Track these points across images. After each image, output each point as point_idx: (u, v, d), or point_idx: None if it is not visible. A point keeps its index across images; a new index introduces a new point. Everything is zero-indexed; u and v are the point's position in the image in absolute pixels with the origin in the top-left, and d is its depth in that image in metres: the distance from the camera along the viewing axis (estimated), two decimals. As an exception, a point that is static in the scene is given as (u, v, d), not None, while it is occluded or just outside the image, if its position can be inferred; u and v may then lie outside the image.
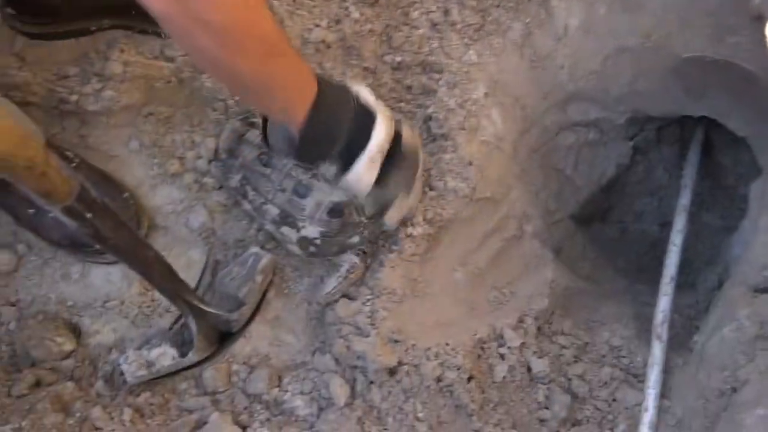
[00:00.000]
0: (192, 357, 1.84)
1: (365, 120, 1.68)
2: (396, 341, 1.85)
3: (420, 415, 1.83)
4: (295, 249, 1.94)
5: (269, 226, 1.95)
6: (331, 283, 1.92)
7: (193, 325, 1.81)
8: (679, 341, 2.20)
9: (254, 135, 1.92)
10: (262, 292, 1.96)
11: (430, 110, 2.09)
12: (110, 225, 1.47)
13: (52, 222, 1.95)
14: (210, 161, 2.06)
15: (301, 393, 1.88)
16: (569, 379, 2.03)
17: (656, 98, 2.51)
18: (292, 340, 2.00)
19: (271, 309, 2.02)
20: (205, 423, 1.81)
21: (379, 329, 1.87)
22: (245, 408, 1.88)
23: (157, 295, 1.98)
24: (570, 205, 2.75)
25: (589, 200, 2.85)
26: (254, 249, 1.94)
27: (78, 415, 1.79)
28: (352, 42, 2.13)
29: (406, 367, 1.82)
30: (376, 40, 2.16)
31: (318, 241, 1.89)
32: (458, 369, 1.85)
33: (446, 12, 2.19)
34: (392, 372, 1.84)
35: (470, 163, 2.04)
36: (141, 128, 2.06)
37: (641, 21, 2.28)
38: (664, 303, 2.26)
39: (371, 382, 1.84)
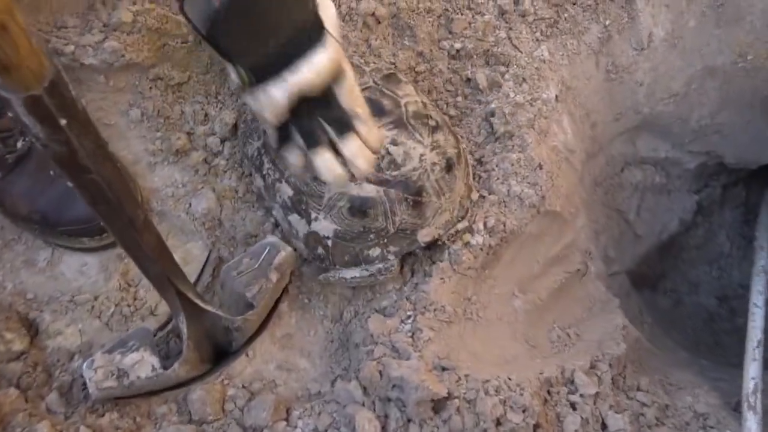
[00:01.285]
0: (178, 371, 1.40)
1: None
2: (444, 369, 1.43)
3: (471, 469, 1.38)
4: (300, 246, 1.55)
5: (277, 211, 1.56)
6: (353, 272, 1.52)
7: (184, 328, 1.39)
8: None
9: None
10: (275, 298, 1.54)
11: (493, 105, 1.75)
12: (91, 148, 1.06)
13: (21, 191, 1.56)
14: (223, 141, 1.68)
15: (316, 430, 1.43)
16: (652, 446, 1.58)
17: (737, 137, 2.18)
18: (306, 365, 1.57)
19: (282, 324, 1.59)
20: (185, 459, 1.36)
21: (423, 353, 1.44)
22: (240, 444, 1.42)
23: (141, 292, 1.56)
24: (628, 258, 2.37)
25: (647, 257, 2.48)
26: (271, 238, 1.53)
27: (18, 431, 1.33)
28: (407, 20, 1.80)
29: (456, 402, 1.38)
30: (434, 22, 1.83)
31: (329, 242, 1.50)
32: (524, 411, 1.41)
33: (517, 0, 1.88)
34: (438, 407, 1.40)
35: (540, 167, 1.68)
36: (146, 94, 1.69)
37: (737, 36, 1.97)
38: (753, 369, 1.87)
39: (409, 420, 1.40)
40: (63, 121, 1.00)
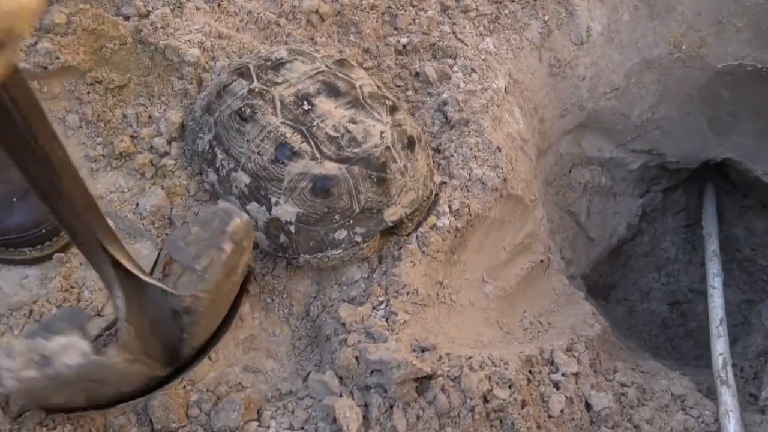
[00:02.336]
0: (114, 358, 1.12)
1: None
2: (424, 349, 1.35)
3: (462, 451, 1.29)
4: (261, 237, 1.47)
5: (234, 205, 1.48)
6: (336, 252, 1.44)
7: (120, 304, 1.16)
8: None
9: (240, 85, 1.50)
10: (234, 279, 1.38)
11: (445, 95, 1.73)
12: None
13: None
14: (170, 141, 1.60)
15: (291, 428, 1.33)
16: (637, 426, 1.53)
17: (677, 132, 2.23)
18: (273, 366, 1.47)
19: (245, 326, 1.49)
20: (149, 469, 1.23)
21: (400, 335, 1.36)
22: (209, 451, 1.30)
23: (86, 293, 1.44)
24: (583, 262, 2.36)
25: (600, 262, 2.47)
26: (222, 203, 1.35)
27: (-44, 448, 1.18)
28: (351, 16, 1.78)
29: (441, 381, 1.30)
30: (379, 18, 1.82)
31: (292, 228, 1.42)
32: (510, 387, 1.34)
33: (458, -4, 1.89)
34: (422, 389, 1.32)
35: (499, 149, 1.65)
36: (84, 99, 1.61)
37: (670, 28, 2.03)
38: (720, 346, 1.88)
39: (392, 405, 1.30)
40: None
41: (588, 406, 1.51)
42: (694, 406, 1.69)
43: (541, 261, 1.81)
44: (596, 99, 2.05)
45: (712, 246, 2.21)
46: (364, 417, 1.31)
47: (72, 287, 1.42)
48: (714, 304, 2.00)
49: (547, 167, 2.10)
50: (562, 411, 1.44)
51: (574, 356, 1.56)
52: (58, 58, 1.56)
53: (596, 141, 2.21)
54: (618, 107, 2.10)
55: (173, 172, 1.57)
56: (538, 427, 1.39)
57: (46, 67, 1.56)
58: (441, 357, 1.34)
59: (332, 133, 1.43)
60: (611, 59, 2.02)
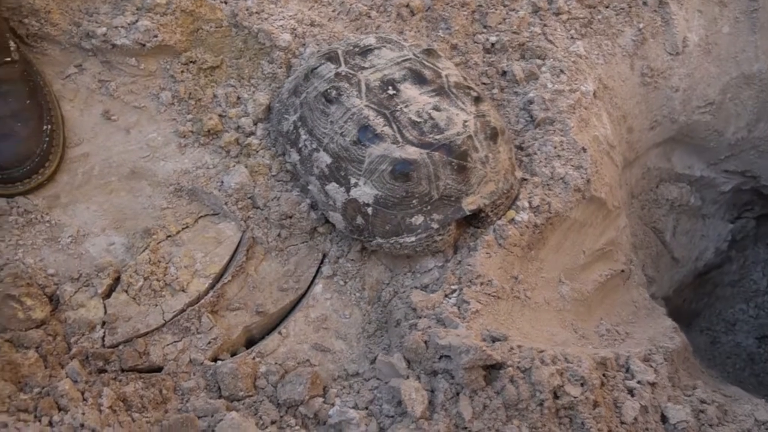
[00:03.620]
0: None
1: None
2: (495, 339, 1.33)
3: (527, 444, 1.26)
4: (338, 218, 1.47)
5: (314, 185, 1.49)
6: (410, 238, 1.44)
7: None
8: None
9: (328, 69, 1.52)
10: None
11: (531, 94, 1.71)
12: None
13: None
14: (256, 122, 1.64)
15: (355, 407, 1.32)
16: (715, 445, 1.45)
17: (776, 154, 2.14)
18: (342, 347, 1.47)
19: (317, 306, 1.50)
20: (214, 433, 1.24)
21: (470, 324, 1.34)
22: (273, 422, 1.31)
23: (173, 270, 1.47)
24: (666, 283, 2.28)
25: (684, 284, 2.39)
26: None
27: (37, 390, 1.22)
28: (441, 12, 1.79)
29: (510, 371, 1.28)
30: (469, 15, 1.82)
31: (369, 210, 1.42)
32: (583, 385, 1.30)
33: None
34: (490, 377, 1.29)
35: (584, 150, 1.62)
36: (177, 78, 1.66)
37: (773, 42, 1.96)
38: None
39: (458, 392, 1.28)
40: None
41: (664, 418, 1.45)
42: (778, 434, 1.60)
43: (622, 271, 1.76)
44: (689, 112, 2.00)
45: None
46: (430, 402, 1.29)
47: (159, 261, 1.46)
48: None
49: (633, 179, 2.04)
50: (635, 419, 1.39)
51: (651, 366, 1.50)
52: (156, 36, 1.62)
53: (687, 157, 2.15)
54: (712, 123, 2.03)
55: (257, 152, 1.60)
56: (610, 431, 1.34)
57: (144, 45, 1.63)
58: (512, 348, 1.31)
59: (415, 119, 1.43)
60: (707, 72, 1.96)
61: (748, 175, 2.19)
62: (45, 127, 1.54)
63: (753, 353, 2.56)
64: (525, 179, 1.58)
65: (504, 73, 1.78)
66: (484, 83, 1.77)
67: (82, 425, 1.16)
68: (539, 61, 1.77)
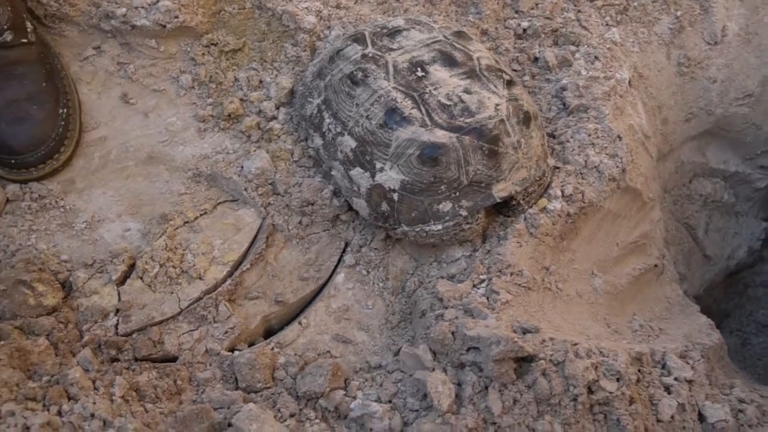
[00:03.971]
0: None
1: None
2: (526, 331, 1.26)
3: (560, 441, 1.19)
4: (362, 205, 1.41)
5: (337, 171, 1.43)
6: (437, 226, 1.37)
7: None
8: None
9: (354, 50, 1.47)
10: None
11: (564, 81, 1.64)
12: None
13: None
14: (278, 106, 1.59)
15: (378, 400, 1.26)
16: (755, 447, 1.38)
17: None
18: (364, 338, 1.41)
19: (339, 296, 1.44)
20: (230, 425, 1.18)
21: (500, 315, 1.28)
22: (292, 415, 1.25)
23: (189, 257, 1.42)
24: (698, 281, 2.20)
25: (715, 283, 2.30)
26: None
27: (46, 379, 1.17)
28: (471, -5, 1.73)
29: (542, 364, 1.21)
30: (500, 0, 1.75)
31: (395, 196, 1.36)
32: (618, 380, 1.23)
33: (585, -16, 1.81)
34: (521, 371, 1.23)
35: (619, 138, 1.55)
36: (198, 60, 1.62)
37: (815, 32, 1.88)
38: None
39: (487, 386, 1.22)
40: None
41: (701, 417, 1.38)
42: (821, 437, 1.52)
43: (656, 266, 1.69)
44: (726, 105, 1.92)
45: None
46: (456, 395, 1.23)
47: (176, 248, 1.41)
48: None
49: (667, 173, 1.97)
50: (672, 417, 1.32)
51: (688, 363, 1.43)
52: (176, 17, 1.58)
53: (722, 152, 2.07)
54: (750, 116, 1.95)
55: (279, 137, 1.55)
56: (646, 429, 1.27)
57: (164, 26, 1.58)
58: (544, 340, 1.24)
59: (445, 102, 1.37)
60: (747, 63, 1.89)
61: (785, 174, 2.10)
62: (61, 110, 1.50)
63: (786, 357, 2.47)
64: (557, 167, 1.51)
65: (536, 59, 1.72)
66: (515, 70, 1.71)
67: (92, 415, 1.10)
68: (573, 48, 1.71)
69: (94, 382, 1.18)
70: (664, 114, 1.86)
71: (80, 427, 1.09)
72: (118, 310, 1.34)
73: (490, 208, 1.41)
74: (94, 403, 1.13)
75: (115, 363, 1.26)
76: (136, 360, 1.29)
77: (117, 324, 1.32)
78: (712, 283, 2.29)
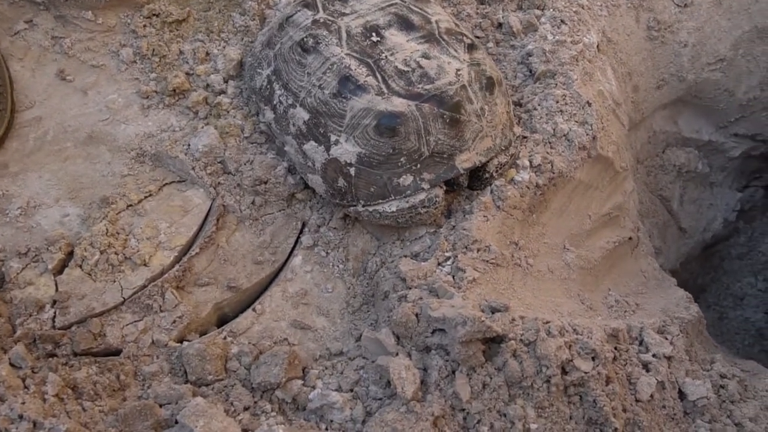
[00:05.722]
0: None
1: None
2: (494, 310, 1.18)
3: (533, 427, 1.11)
4: (317, 181, 1.32)
5: (290, 146, 1.34)
6: (393, 205, 1.28)
7: None
8: None
9: (305, 16, 1.37)
10: None
11: (530, 46, 1.56)
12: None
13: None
14: (227, 79, 1.48)
15: (339, 389, 1.17)
16: (738, 424, 1.31)
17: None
18: (324, 324, 1.32)
19: (296, 280, 1.34)
20: (177, 422, 1.09)
21: (467, 294, 1.19)
22: (246, 408, 1.16)
23: (133, 242, 1.32)
24: (672, 255, 2.14)
25: (691, 257, 2.24)
26: None
27: (-32, 376, 1.07)
28: (430, -41, 1.63)
29: (512, 344, 1.13)
30: (460, -37, 1.66)
31: (352, 171, 1.27)
32: (594, 359, 1.15)
33: (548, -55, 1.72)
34: (490, 352, 1.14)
35: (588, 104, 1.47)
36: (139, 33, 1.51)
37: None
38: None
39: (454, 370, 1.13)
40: None
41: (682, 395, 1.31)
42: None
43: (630, 238, 1.62)
44: (698, 70, 1.85)
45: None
46: (422, 381, 1.14)
47: (118, 233, 1.31)
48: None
49: (639, 143, 1.90)
50: (652, 396, 1.25)
51: (666, 338, 1.36)
52: (114, -14, 1.47)
53: (695, 120, 2.00)
54: (722, 81, 1.89)
55: (228, 112, 1.45)
56: (624, 410, 1.19)
57: (102, -5, 1.47)
58: (514, 319, 1.16)
59: (402, 68, 1.28)
60: (718, 26, 1.82)
61: (759, 139, 2.05)
62: None
63: (762, 328, 2.43)
64: (525, 137, 1.43)
65: (500, 25, 1.63)
66: (478, 36, 1.62)
67: (20, 416, 1.00)
68: (538, 12, 1.63)
69: (23, 380, 1.08)
70: (634, 81, 1.78)
71: (7, 430, 0.99)
72: (54, 302, 1.23)
73: (449, 189, 1.33)
74: (23, 403, 1.03)
75: (52, 359, 1.16)
76: (75, 355, 1.19)
77: (54, 316, 1.22)
78: (688, 256, 2.23)
